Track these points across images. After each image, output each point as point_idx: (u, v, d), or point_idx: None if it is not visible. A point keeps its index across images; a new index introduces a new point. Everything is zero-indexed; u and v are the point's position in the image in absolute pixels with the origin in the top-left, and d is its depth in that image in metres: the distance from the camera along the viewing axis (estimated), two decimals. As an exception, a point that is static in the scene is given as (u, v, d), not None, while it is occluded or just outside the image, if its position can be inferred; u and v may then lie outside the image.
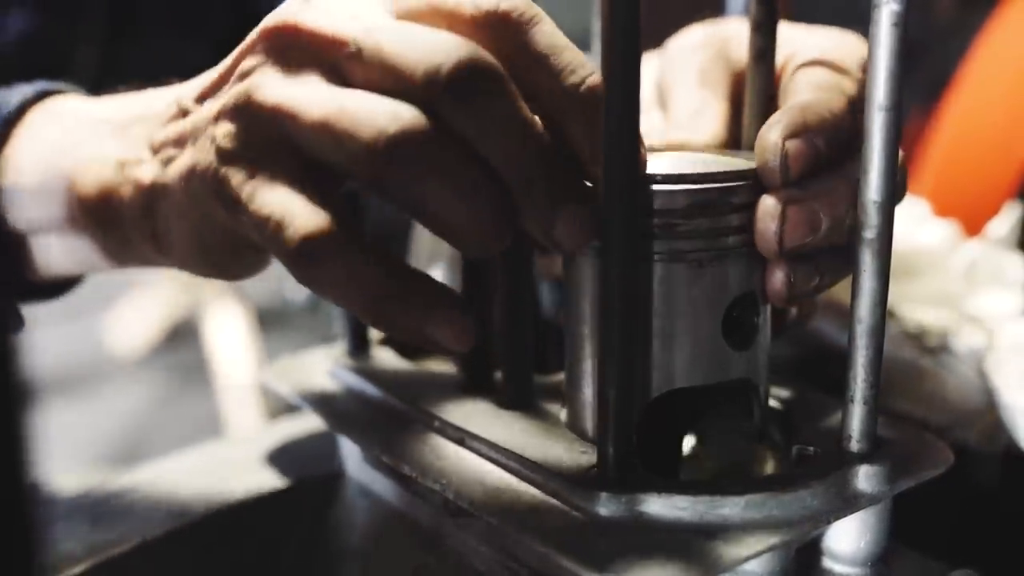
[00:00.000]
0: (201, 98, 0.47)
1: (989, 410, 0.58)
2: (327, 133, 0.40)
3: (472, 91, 0.39)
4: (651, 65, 0.57)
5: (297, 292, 2.34)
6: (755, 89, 0.50)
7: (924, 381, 0.61)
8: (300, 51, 0.43)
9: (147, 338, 2.58)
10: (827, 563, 0.45)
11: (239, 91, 0.43)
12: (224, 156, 0.43)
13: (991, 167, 0.84)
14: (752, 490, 0.41)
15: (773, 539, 0.40)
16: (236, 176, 0.42)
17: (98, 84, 0.59)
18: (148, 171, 0.48)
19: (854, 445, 0.43)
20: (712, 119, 0.51)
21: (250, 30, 0.47)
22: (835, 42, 0.51)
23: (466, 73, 0.39)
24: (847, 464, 0.43)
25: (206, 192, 0.44)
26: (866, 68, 0.43)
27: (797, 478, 0.42)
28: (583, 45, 0.59)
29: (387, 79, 0.40)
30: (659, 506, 0.40)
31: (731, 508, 0.41)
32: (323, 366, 0.56)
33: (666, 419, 0.45)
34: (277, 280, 2.52)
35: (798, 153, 0.43)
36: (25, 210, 0.53)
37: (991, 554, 0.57)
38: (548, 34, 0.42)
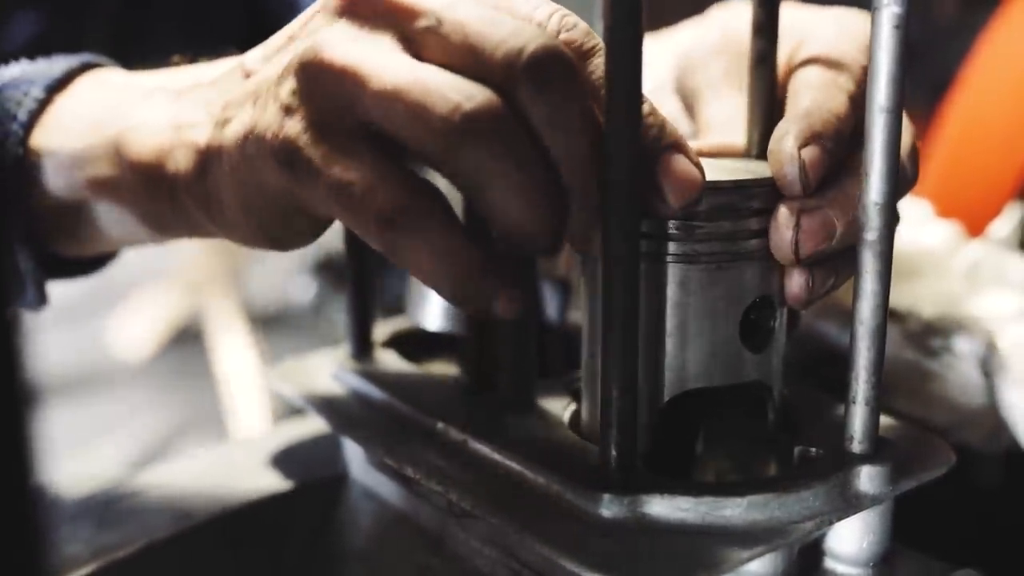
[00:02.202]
0: (266, 59, 0.46)
1: (991, 410, 0.58)
2: (399, 102, 0.39)
3: (549, 80, 0.39)
4: (666, 51, 0.57)
5: (301, 294, 2.34)
6: (757, 92, 0.50)
7: (926, 382, 0.61)
8: (375, 16, 0.42)
9: (152, 341, 2.58)
10: (829, 564, 0.45)
11: (307, 48, 0.42)
12: (287, 116, 0.42)
13: (993, 168, 0.84)
14: (754, 491, 0.41)
15: (775, 540, 0.40)
16: (303, 137, 0.41)
17: None
18: (204, 133, 0.46)
19: (856, 446, 0.43)
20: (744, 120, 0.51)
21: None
22: (841, 29, 0.51)
23: (545, 61, 0.39)
24: (849, 465, 0.43)
25: (264, 153, 0.42)
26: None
27: (799, 479, 0.42)
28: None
29: (465, 56, 0.40)
30: (662, 507, 0.41)
31: (733, 509, 0.41)
32: (327, 368, 0.56)
33: (681, 420, 0.46)
34: (281, 282, 2.52)
35: (814, 161, 0.44)
36: (68, 175, 0.52)
37: (993, 554, 0.57)
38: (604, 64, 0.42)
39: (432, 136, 0.39)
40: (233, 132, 0.44)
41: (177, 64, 0.54)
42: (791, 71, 0.50)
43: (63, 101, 0.53)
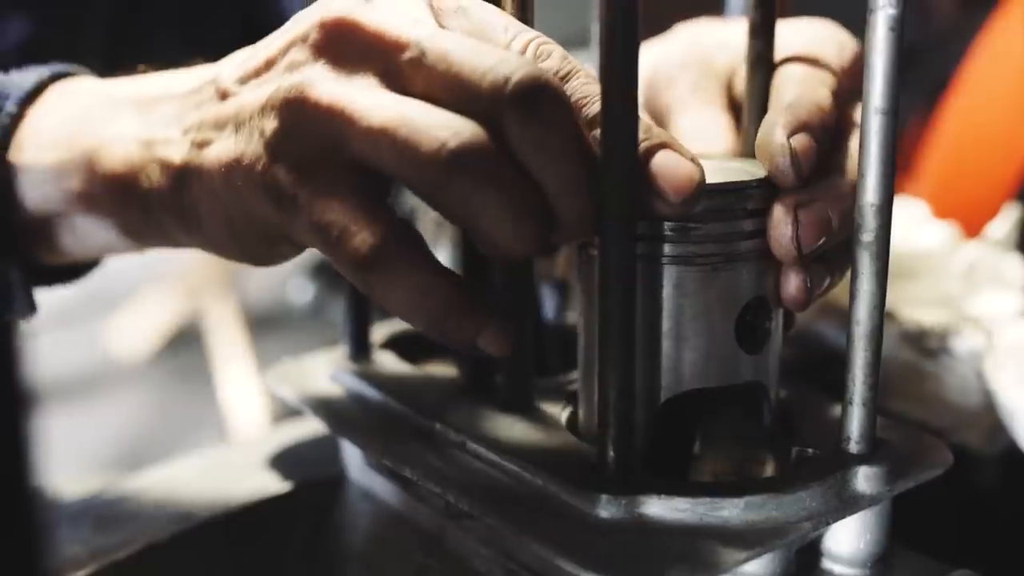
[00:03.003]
0: (243, 81, 0.46)
1: (988, 411, 0.58)
2: (386, 141, 0.40)
3: (536, 108, 0.39)
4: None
5: (299, 296, 2.34)
6: (754, 93, 0.51)
7: (924, 382, 0.61)
8: (358, 50, 0.42)
9: (150, 343, 2.58)
10: (827, 564, 0.45)
11: (291, 86, 0.42)
12: (274, 153, 0.42)
13: (990, 169, 0.84)
14: (752, 492, 0.41)
15: (773, 541, 0.40)
16: (289, 176, 0.42)
17: None
18: (178, 151, 0.47)
19: (853, 446, 0.43)
20: (723, 137, 0.51)
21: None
22: (812, 35, 0.52)
23: (532, 90, 0.39)
24: (846, 465, 0.43)
25: (251, 186, 0.43)
26: (846, 56, 0.47)
27: (796, 480, 0.42)
28: (582, 47, 0.59)
29: (451, 86, 0.40)
30: (659, 508, 0.41)
31: (731, 510, 0.41)
32: (325, 370, 0.56)
33: (677, 422, 0.46)
34: (279, 283, 2.52)
35: (804, 148, 0.44)
36: (42, 189, 0.52)
37: (991, 555, 0.57)
38: (581, 87, 0.42)
39: (420, 172, 0.39)
40: (215, 157, 0.45)
41: (143, 72, 0.54)
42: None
43: (35, 114, 0.53)
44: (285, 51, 0.45)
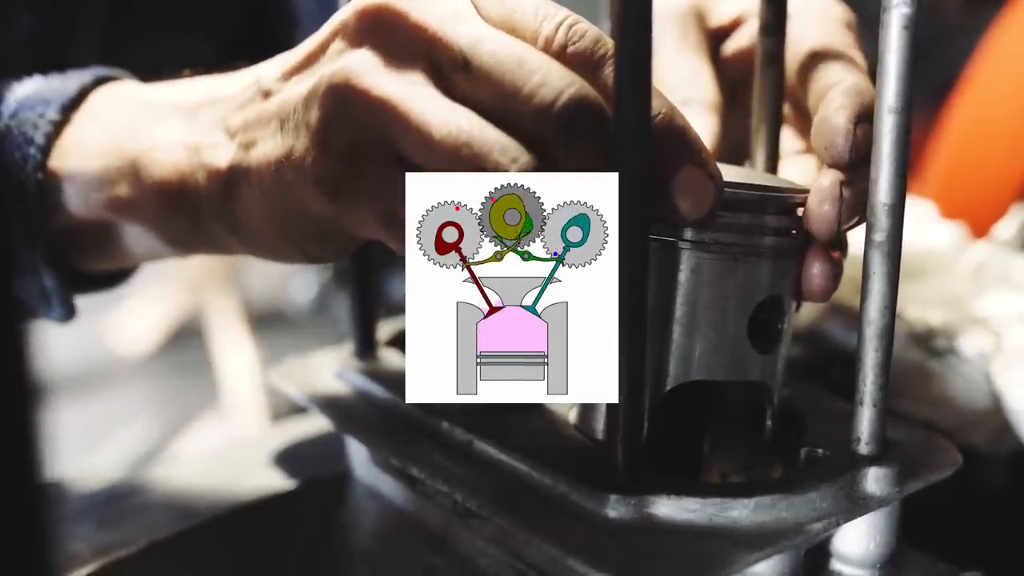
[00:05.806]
0: (284, 78, 0.45)
1: (995, 412, 0.58)
2: (444, 155, 0.39)
3: (577, 131, 0.39)
4: None
5: (302, 292, 2.34)
6: (764, 91, 0.50)
7: (931, 383, 0.61)
8: (400, 40, 0.41)
9: (152, 339, 2.58)
10: (836, 565, 0.45)
11: (335, 73, 0.41)
12: (322, 144, 0.42)
13: (998, 168, 0.84)
14: (761, 492, 0.41)
15: (782, 541, 0.40)
16: (342, 166, 0.42)
17: None
18: (224, 155, 0.46)
19: (863, 447, 0.43)
20: (706, 80, 0.52)
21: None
22: (821, 9, 0.52)
23: (574, 114, 0.39)
24: (856, 466, 0.43)
25: (303, 181, 0.43)
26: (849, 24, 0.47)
27: (806, 480, 0.42)
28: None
29: (494, 98, 0.40)
30: (669, 508, 0.40)
31: (740, 510, 0.41)
32: (330, 367, 0.56)
33: (682, 417, 0.45)
34: (282, 280, 2.52)
35: (864, 136, 0.44)
36: (87, 196, 0.52)
37: (999, 556, 0.57)
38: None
39: None
40: (262, 156, 0.44)
41: (187, 76, 0.53)
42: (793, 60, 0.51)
43: (79, 120, 0.53)
44: (326, 44, 0.44)
